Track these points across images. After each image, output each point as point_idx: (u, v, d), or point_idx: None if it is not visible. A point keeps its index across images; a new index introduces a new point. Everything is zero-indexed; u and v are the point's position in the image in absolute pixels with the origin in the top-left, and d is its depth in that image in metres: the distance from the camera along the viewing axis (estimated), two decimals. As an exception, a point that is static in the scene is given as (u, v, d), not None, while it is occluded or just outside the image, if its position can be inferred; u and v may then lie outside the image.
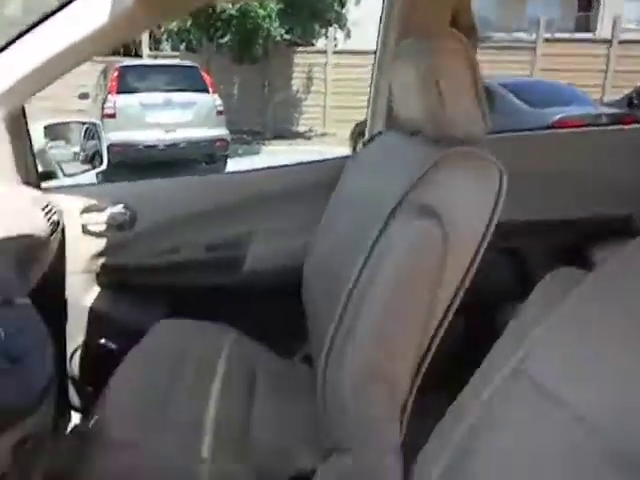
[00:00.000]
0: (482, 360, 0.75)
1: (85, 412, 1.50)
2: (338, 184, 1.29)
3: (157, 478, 0.97)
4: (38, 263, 1.19)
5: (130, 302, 1.52)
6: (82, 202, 1.46)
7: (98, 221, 1.46)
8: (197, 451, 0.99)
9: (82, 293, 1.49)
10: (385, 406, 0.93)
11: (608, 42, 10.29)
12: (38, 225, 1.15)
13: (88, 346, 1.49)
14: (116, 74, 6.52)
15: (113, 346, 1.49)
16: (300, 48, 10.58)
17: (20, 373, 0.75)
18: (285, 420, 1.11)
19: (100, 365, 1.42)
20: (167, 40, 11.25)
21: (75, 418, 1.51)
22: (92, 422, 1.06)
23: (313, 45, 10.99)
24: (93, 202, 1.46)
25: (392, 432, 0.97)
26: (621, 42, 10.15)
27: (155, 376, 1.17)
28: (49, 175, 1.47)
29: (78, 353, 1.48)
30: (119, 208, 1.47)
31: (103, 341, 1.49)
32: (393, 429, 0.97)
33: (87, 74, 7.14)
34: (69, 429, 1.44)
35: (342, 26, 10.63)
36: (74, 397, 1.52)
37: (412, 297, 0.88)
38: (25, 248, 1.07)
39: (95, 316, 1.49)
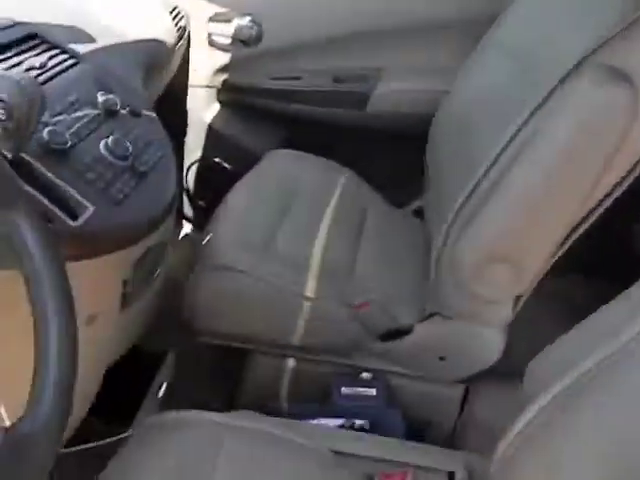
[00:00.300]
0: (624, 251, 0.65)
1: (195, 224, 1.57)
2: (496, 22, 1.09)
3: (258, 305, 1.00)
4: (163, 72, 1.15)
5: (248, 124, 1.49)
6: (209, 8, 1.36)
7: (224, 32, 1.37)
8: (301, 286, 1.00)
9: (202, 108, 1.46)
10: (505, 287, 0.87)
11: None
12: (166, 30, 1.09)
13: (204, 162, 1.50)
14: None
15: (227, 166, 1.49)
16: None
17: (147, 189, 0.74)
18: (390, 271, 1.09)
19: (213, 182, 1.44)
20: None
21: (186, 227, 1.59)
22: (205, 240, 1.09)
23: None
24: (221, 10, 1.36)
25: (504, 312, 0.92)
26: None
27: (267, 204, 1.16)
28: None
29: (194, 168, 1.51)
30: (246, 21, 1.36)
31: (218, 160, 1.49)
32: (506, 309, 0.92)
33: None
34: (180, 236, 1.53)
35: None
36: (187, 208, 1.58)
37: (574, 176, 0.76)
38: (152, 55, 1.03)
39: (213, 134, 1.47)
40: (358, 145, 1.41)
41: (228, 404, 1.07)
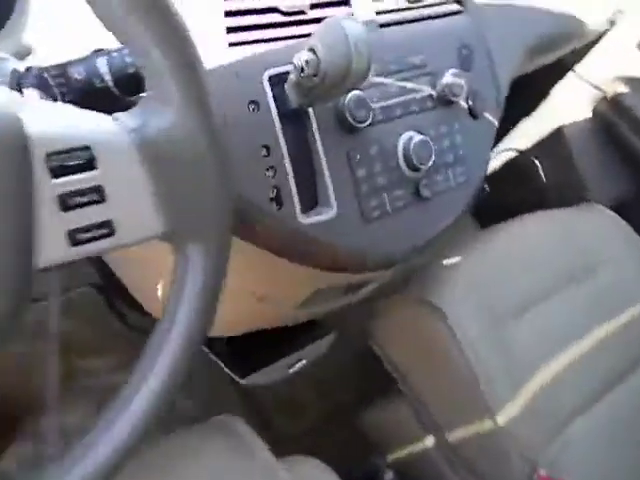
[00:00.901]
0: None
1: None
2: None
3: (447, 381, 0.80)
4: (557, 52, 0.87)
5: (604, 155, 1.13)
6: None
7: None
8: (497, 404, 0.76)
9: (567, 101, 1.14)
10: None
11: None
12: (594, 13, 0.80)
13: (520, 154, 1.22)
14: None
15: (542, 174, 1.20)
16: None
17: (412, 220, 0.55)
18: (610, 458, 0.79)
19: (511, 180, 1.20)
20: None
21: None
22: (448, 260, 0.88)
23: None
24: None
25: None
26: None
27: (542, 265, 0.90)
28: None
29: (505, 153, 1.24)
30: None
31: (537, 161, 1.20)
32: None
33: None
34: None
35: None
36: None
37: None
38: (557, 34, 0.76)
39: (557, 134, 1.16)
40: None
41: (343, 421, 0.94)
